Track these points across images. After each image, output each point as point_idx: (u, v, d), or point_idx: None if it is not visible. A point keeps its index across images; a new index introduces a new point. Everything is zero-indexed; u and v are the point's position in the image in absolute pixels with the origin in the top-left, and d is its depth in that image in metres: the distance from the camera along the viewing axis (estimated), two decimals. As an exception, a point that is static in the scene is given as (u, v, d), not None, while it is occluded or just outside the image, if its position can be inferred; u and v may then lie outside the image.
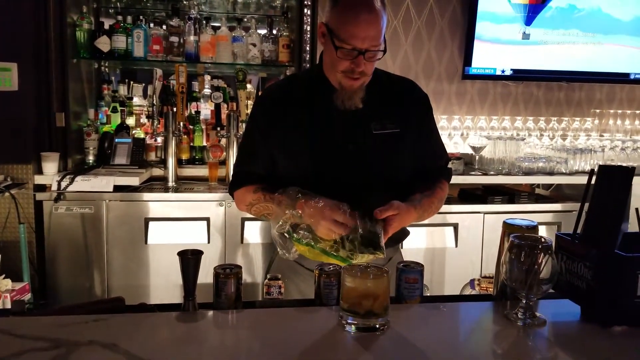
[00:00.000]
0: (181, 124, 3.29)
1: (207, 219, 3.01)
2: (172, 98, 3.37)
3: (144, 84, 3.84)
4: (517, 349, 1.21)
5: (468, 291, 1.73)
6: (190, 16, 3.39)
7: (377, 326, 1.22)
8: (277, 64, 3.47)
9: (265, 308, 1.42)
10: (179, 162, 3.35)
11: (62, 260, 2.95)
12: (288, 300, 1.52)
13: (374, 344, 1.17)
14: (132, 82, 3.81)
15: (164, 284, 2.97)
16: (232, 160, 3.19)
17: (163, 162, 3.31)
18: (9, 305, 2.49)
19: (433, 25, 3.78)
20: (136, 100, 3.69)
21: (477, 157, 3.55)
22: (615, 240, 1.28)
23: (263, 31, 3.57)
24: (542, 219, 3.30)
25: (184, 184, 3.27)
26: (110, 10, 3.66)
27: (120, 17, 3.38)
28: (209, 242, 3.00)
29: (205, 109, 3.63)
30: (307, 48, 3.35)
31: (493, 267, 1.48)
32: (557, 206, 3.38)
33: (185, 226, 3.01)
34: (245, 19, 3.59)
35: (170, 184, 3.22)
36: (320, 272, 1.39)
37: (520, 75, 3.85)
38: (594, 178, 1.36)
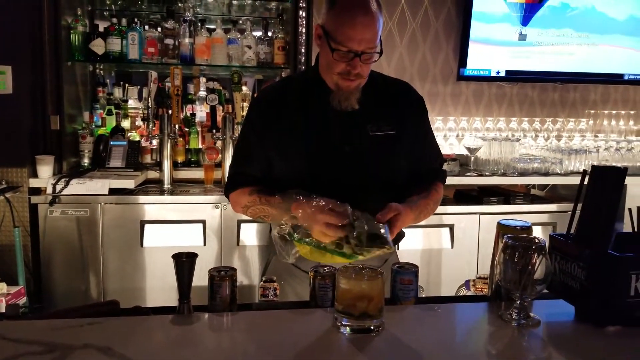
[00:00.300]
0: (176, 126, 3.28)
1: (203, 222, 3.01)
2: (167, 100, 3.37)
3: (139, 87, 3.84)
4: (511, 350, 1.22)
5: (463, 292, 1.74)
6: (185, 18, 3.40)
7: (372, 327, 1.22)
8: (273, 66, 3.47)
9: (260, 310, 1.42)
10: (175, 165, 3.35)
11: (58, 263, 2.94)
12: (283, 302, 1.51)
13: (369, 346, 1.17)
14: (127, 85, 3.81)
15: (160, 287, 2.97)
16: (228, 162, 3.19)
17: (158, 165, 3.31)
18: (3, 309, 2.48)
19: (428, 26, 3.79)
20: (131, 102, 3.69)
21: (472, 158, 3.56)
22: (609, 241, 1.29)
23: (258, 33, 3.57)
24: (538, 219, 3.31)
25: (179, 186, 3.27)
26: (104, 13, 3.66)
27: (115, 20, 3.38)
28: (204, 245, 3.00)
29: (201, 112, 3.63)
30: (303, 50, 3.35)
31: (489, 267, 1.48)
32: (552, 207, 3.39)
33: (181, 229, 3.01)
34: (241, 21, 3.59)
35: (166, 186, 3.21)
36: (315, 274, 1.39)
37: (514, 77, 3.86)
38: (587, 179, 1.36)
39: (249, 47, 3.43)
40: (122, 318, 1.32)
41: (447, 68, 3.85)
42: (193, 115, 3.53)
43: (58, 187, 2.90)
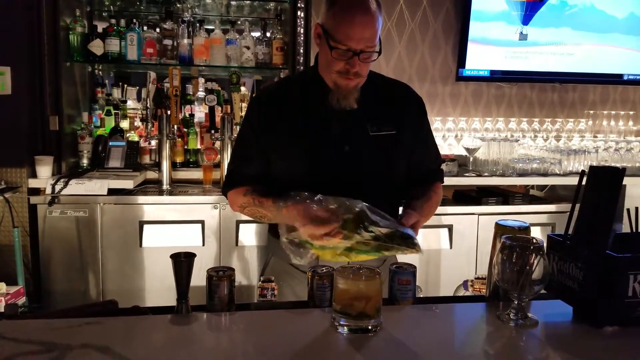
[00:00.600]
0: (175, 126, 3.28)
1: (202, 222, 3.01)
2: (166, 101, 3.37)
3: (137, 87, 3.84)
4: (509, 350, 1.22)
5: (461, 292, 1.74)
6: (184, 19, 3.40)
7: (370, 327, 1.22)
8: (271, 66, 3.47)
9: (258, 310, 1.42)
10: (173, 165, 3.35)
11: (57, 263, 2.94)
12: (281, 302, 1.52)
13: (366, 345, 1.18)
14: (126, 85, 3.81)
15: (159, 287, 2.97)
16: (227, 163, 3.19)
17: (157, 165, 3.31)
18: (3, 309, 2.48)
19: (427, 27, 3.79)
20: (130, 103, 3.69)
21: (471, 159, 3.56)
22: (606, 241, 1.29)
23: (257, 34, 3.57)
24: (536, 220, 3.32)
25: (178, 186, 3.27)
26: (103, 14, 3.66)
27: (113, 21, 3.38)
28: (203, 245, 3.00)
29: (199, 112, 3.63)
30: (301, 50, 3.35)
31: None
32: (551, 207, 3.39)
33: (179, 229, 3.01)
34: (239, 22, 3.59)
35: (165, 187, 3.21)
36: (313, 274, 1.39)
37: (513, 77, 3.86)
38: (585, 179, 1.36)
39: (248, 48, 3.43)
40: (120, 318, 1.32)
41: (445, 68, 3.85)
42: (192, 115, 3.53)
43: (57, 188, 2.91)
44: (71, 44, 3.30)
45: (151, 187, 3.24)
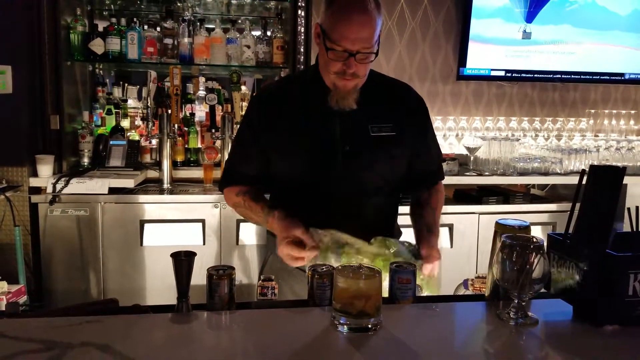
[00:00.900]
0: (176, 126, 3.29)
1: (203, 221, 3.02)
2: (166, 100, 3.38)
3: (138, 86, 3.85)
4: (509, 349, 1.22)
5: (462, 291, 1.74)
6: (184, 18, 3.40)
7: (369, 326, 1.22)
8: (272, 65, 3.47)
9: (258, 309, 1.42)
10: (174, 164, 3.36)
11: (58, 262, 2.95)
12: (281, 301, 1.52)
13: (366, 344, 1.18)
14: (126, 85, 3.81)
15: (160, 286, 2.97)
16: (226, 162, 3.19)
17: (158, 164, 3.31)
18: (4, 308, 2.48)
19: (427, 26, 3.79)
20: (131, 102, 3.70)
21: (472, 158, 3.56)
22: (607, 240, 1.29)
23: (257, 33, 3.57)
24: (537, 219, 3.32)
25: (179, 185, 3.27)
26: (104, 13, 3.66)
27: (114, 20, 3.38)
28: (204, 244, 3.00)
29: (200, 111, 3.63)
30: (301, 49, 3.35)
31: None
32: (552, 206, 3.39)
33: (180, 228, 3.01)
34: (240, 21, 3.59)
35: (165, 186, 3.22)
36: (313, 272, 1.39)
37: (514, 76, 3.85)
38: (585, 178, 1.36)
39: (248, 47, 3.43)
40: (120, 316, 1.32)
41: (446, 67, 3.85)
42: (192, 114, 3.54)
43: (58, 187, 2.91)
44: (72, 43, 3.30)
45: (152, 186, 3.24)
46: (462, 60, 3.75)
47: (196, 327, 1.28)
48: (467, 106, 3.93)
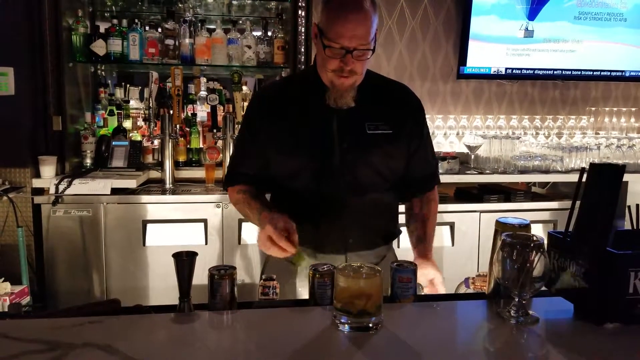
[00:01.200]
0: (178, 126, 3.29)
1: (205, 221, 3.02)
2: (168, 101, 3.38)
3: (140, 87, 3.86)
4: (509, 347, 1.22)
5: (463, 290, 1.74)
6: (186, 19, 3.40)
7: (370, 325, 1.23)
8: (273, 65, 3.48)
9: (260, 308, 1.43)
10: (176, 165, 3.36)
11: (61, 263, 2.96)
12: (282, 301, 1.52)
13: (367, 343, 1.18)
14: (128, 85, 3.82)
15: (162, 286, 2.98)
16: (229, 161, 3.20)
17: (160, 165, 3.32)
18: (7, 309, 2.50)
19: (427, 25, 3.79)
20: (133, 103, 3.71)
21: (472, 156, 3.56)
22: (607, 238, 1.29)
23: (258, 33, 3.58)
24: (538, 217, 3.32)
25: (181, 186, 3.28)
26: (105, 14, 3.68)
27: (115, 21, 3.39)
28: (206, 244, 3.01)
29: (202, 111, 3.64)
30: (302, 49, 3.36)
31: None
32: (553, 204, 3.38)
33: (182, 228, 3.02)
34: (240, 21, 3.60)
35: (168, 186, 3.23)
36: (314, 272, 1.40)
37: (514, 74, 3.85)
38: (585, 176, 1.37)
39: (249, 47, 3.44)
40: (122, 317, 1.33)
41: (447, 66, 3.85)
42: (194, 115, 3.55)
43: (61, 187, 2.92)
44: (74, 44, 3.31)
45: (154, 186, 3.25)
46: (462, 59, 3.75)
47: (198, 327, 1.28)
48: (467, 105, 3.93)
